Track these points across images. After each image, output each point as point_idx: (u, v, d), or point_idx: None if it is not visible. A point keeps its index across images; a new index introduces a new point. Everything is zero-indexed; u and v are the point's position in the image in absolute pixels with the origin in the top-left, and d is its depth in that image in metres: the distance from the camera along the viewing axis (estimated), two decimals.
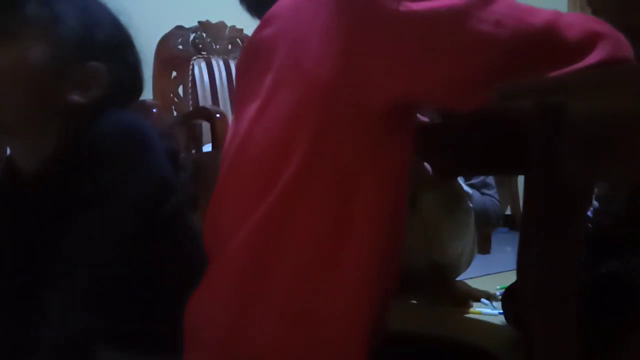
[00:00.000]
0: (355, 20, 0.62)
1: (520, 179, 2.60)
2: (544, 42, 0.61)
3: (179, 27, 2.44)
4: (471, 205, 1.60)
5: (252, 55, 0.76)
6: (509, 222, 2.81)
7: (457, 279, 1.73)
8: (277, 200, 0.65)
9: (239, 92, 0.80)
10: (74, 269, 0.77)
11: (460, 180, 1.65)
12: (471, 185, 1.74)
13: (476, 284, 1.75)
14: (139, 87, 0.91)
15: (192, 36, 2.47)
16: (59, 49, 0.78)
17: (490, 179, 1.81)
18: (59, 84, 0.79)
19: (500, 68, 0.61)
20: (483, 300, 1.62)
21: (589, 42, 0.60)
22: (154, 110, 1.80)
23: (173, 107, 2.35)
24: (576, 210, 0.58)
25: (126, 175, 0.79)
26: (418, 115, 0.90)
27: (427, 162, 1.00)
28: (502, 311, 1.51)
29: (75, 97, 0.80)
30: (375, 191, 0.66)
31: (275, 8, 0.71)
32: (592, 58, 0.60)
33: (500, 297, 1.64)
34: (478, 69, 0.61)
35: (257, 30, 0.74)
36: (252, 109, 0.70)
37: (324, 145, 0.64)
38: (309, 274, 0.66)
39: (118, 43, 0.87)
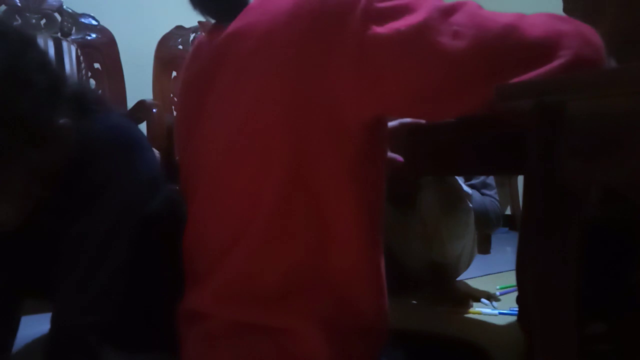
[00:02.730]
0: (327, 45, 0.63)
1: (520, 179, 2.61)
2: (504, 46, 0.60)
3: (179, 27, 2.44)
4: (471, 205, 1.60)
5: (218, 71, 0.73)
6: (509, 222, 2.81)
7: (458, 279, 1.73)
8: (266, 215, 0.67)
9: (198, 99, 0.77)
10: (71, 268, 0.78)
11: (460, 180, 1.65)
12: (471, 186, 1.74)
13: (476, 284, 1.75)
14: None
15: (192, 36, 2.47)
16: (37, 135, 0.74)
17: (490, 179, 1.81)
18: (39, 162, 0.76)
19: (467, 77, 0.61)
20: (483, 300, 1.62)
21: (552, 41, 0.60)
22: (154, 110, 1.81)
23: (173, 107, 2.35)
24: (576, 210, 0.57)
25: (117, 176, 0.80)
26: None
27: (426, 162, 1.00)
28: (503, 311, 1.51)
29: (53, 159, 0.78)
30: (357, 199, 0.68)
31: (246, 26, 0.69)
32: (558, 60, 0.59)
33: (500, 297, 1.65)
34: (443, 81, 0.62)
35: (226, 44, 0.72)
36: (227, 124, 0.70)
37: (305, 160, 0.66)
38: (299, 274, 0.68)
39: (63, 83, 0.81)
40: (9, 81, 0.69)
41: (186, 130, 0.80)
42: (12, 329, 0.91)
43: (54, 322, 0.77)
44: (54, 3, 2.17)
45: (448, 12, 0.62)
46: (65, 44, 2.17)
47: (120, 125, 0.83)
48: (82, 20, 2.23)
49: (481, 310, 1.54)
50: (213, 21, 0.79)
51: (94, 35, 2.24)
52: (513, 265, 0.61)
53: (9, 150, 0.70)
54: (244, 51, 0.68)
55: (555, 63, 0.59)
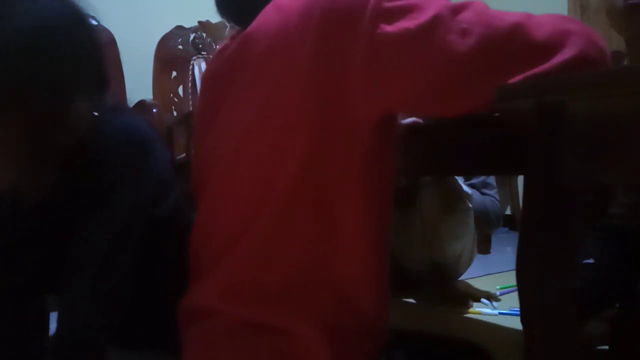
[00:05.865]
0: (339, 44, 0.64)
1: (520, 179, 2.60)
2: (512, 44, 0.61)
3: (179, 27, 2.44)
4: (471, 205, 1.60)
5: (236, 69, 0.75)
6: (509, 222, 2.81)
7: (458, 279, 1.73)
8: (274, 210, 0.67)
9: (214, 100, 0.79)
10: (80, 269, 0.78)
11: (460, 180, 1.65)
12: (471, 185, 1.74)
13: (476, 284, 1.75)
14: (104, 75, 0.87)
15: (192, 36, 2.47)
16: (45, 109, 0.74)
17: (491, 179, 1.81)
18: (49, 137, 0.76)
19: (475, 74, 0.62)
20: (483, 300, 1.62)
21: (558, 40, 0.60)
22: (154, 110, 1.81)
23: (173, 107, 2.35)
24: (576, 210, 0.57)
25: (128, 178, 0.79)
26: (416, 117, 0.91)
27: (426, 162, 1.00)
28: (503, 311, 1.51)
29: (67, 139, 0.77)
30: (364, 199, 0.69)
31: (261, 26, 0.72)
32: (562, 55, 0.60)
33: (500, 297, 1.65)
34: (451, 78, 0.62)
35: (243, 44, 0.74)
36: (242, 121, 0.71)
37: (317, 156, 0.66)
38: (303, 273, 0.68)
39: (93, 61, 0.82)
40: (37, 46, 0.70)
41: (202, 128, 0.82)
42: (44, 327, 0.91)
43: (63, 323, 0.77)
44: None
45: (456, 10, 0.62)
46: None
47: (133, 125, 0.83)
48: None
49: (481, 310, 1.54)
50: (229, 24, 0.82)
51: None
52: (513, 265, 0.61)
53: (16, 106, 0.70)
54: (259, 50, 0.70)
55: (560, 58, 0.59)
